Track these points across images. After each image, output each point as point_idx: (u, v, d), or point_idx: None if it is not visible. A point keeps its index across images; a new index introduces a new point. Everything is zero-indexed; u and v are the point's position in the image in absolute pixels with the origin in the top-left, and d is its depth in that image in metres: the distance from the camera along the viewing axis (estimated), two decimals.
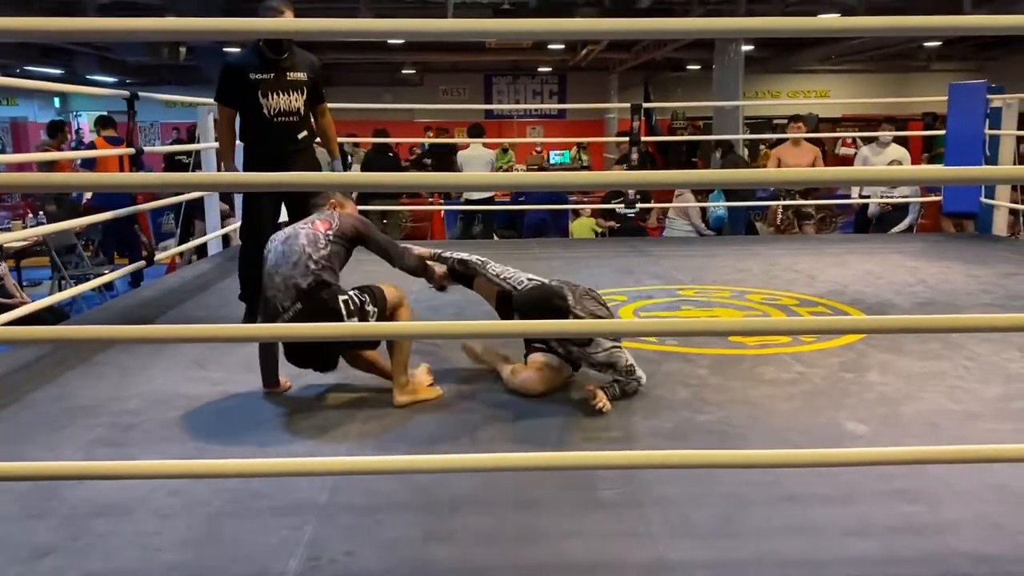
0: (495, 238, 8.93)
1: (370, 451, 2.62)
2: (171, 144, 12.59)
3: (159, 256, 5.67)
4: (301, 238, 2.97)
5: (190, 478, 2.31)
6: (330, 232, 3.02)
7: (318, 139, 4.26)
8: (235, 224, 6.44)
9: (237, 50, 7.85)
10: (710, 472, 2.38)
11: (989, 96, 6.56)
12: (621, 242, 7.40)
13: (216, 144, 5.14)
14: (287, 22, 2.30)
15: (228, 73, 3.95)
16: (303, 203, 3.62)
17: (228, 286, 5.19)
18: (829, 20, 1.75)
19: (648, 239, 7.94)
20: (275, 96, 3.89)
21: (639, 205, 7.97)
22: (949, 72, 16.53)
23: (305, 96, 3.98)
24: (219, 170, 4.26)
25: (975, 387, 3.15)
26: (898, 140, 7.70)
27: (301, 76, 3.97)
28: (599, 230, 8.43)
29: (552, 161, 16.28)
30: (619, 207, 8.07)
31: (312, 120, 4.14)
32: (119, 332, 2.46)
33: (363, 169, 9.02)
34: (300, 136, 4.02)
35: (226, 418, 2.92)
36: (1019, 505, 2.22)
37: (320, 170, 4.31)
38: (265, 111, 3.90)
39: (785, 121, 8.62)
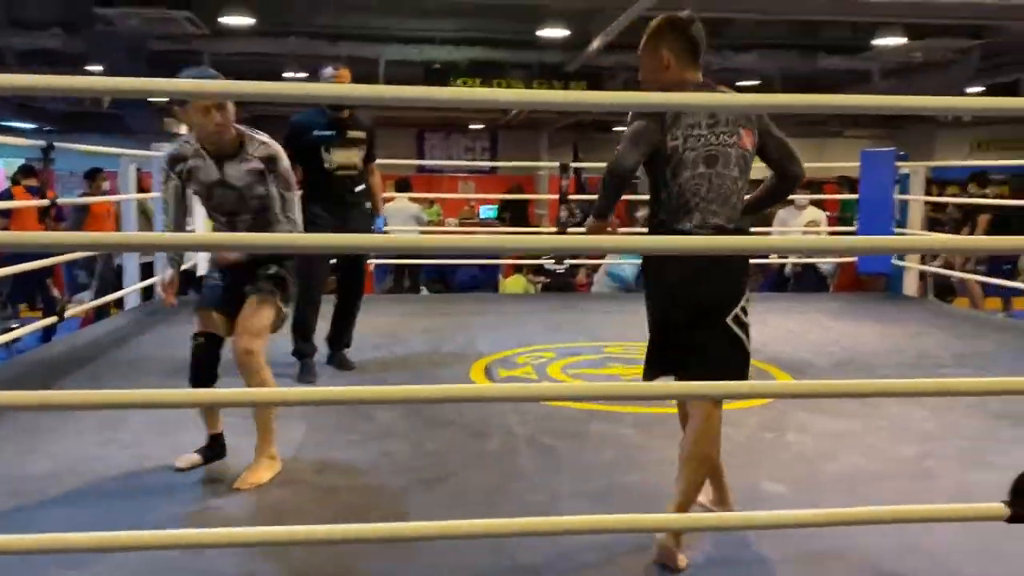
0: (424, 291, 8.89)
1: (287, 520, 2.53)
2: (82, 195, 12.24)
3: (73, 311, 5.46)
4: None
5: (95, 552, 2.19)
6: None
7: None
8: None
9: None
10: (636, 536, 2.38)
11: (898, 163, 6.90)
12: (552, 297, 7.46)
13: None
14: (202, 84, 2.27)
15: (293, 131, 4.28)
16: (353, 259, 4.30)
17: (146, 342, 5.03)
18: (744, 97, 1.83)
19: (577, 295, 8.03)
20: (337, 151, 4.25)
21: (568, 261, 8.07)
22: (861, 139, 17.40)
23: (363, 153, 4.34)
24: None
25: (889, 447, 3.24)
26: (815, 202, 8.03)
27: (360, 135, 4.33)
28: (531, 288, 8.48)
29: (483, 216, 16.40)
30: (548, 263, 8.16)
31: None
32: (16, 399, 2.27)
33: None
34: (357, 190, 4.35)
35: (136, 485, 2.80)
36: (932, 562, 2.28)
37: (369, 223, 4.49)
38: (327, 164, 4.21)
39: None
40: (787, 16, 8.07)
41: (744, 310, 2.36)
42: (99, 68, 10.50)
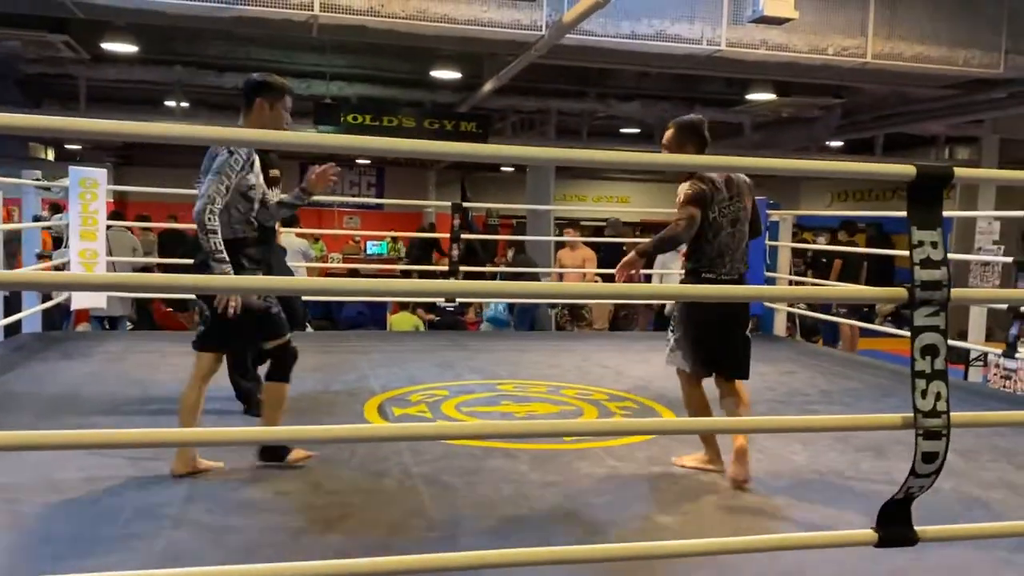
0: (308, 329, 8.74)
1: (181, 562, 2.46)
2: None
3: None
4: None
5: None
6: None
7: None
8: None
9: None
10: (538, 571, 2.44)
11: (768, 211, 7.37)
12: (441, 335, 7.48)
13: None
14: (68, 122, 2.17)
15: None
16: None
17: (12, 380, 4.74)
18: (626, 155, 1.99)
19: (466, 333, 8.09)
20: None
21: (459, 299, 8.15)
22: None
23: (279, 191, 4.34)
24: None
25: (765, 479, 3.44)
26: None
27: (277, 173, 4.41)
28: (420, 325, 8.48)
29: (369, 251, 16.31)
30: (438, 300, 8.21)
31: None
32: None
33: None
34: (275, 226, 4.47)
35: (16, 529, 2.65)
36: None
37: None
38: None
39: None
40: (667, 70, 8.52)
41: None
42: None
